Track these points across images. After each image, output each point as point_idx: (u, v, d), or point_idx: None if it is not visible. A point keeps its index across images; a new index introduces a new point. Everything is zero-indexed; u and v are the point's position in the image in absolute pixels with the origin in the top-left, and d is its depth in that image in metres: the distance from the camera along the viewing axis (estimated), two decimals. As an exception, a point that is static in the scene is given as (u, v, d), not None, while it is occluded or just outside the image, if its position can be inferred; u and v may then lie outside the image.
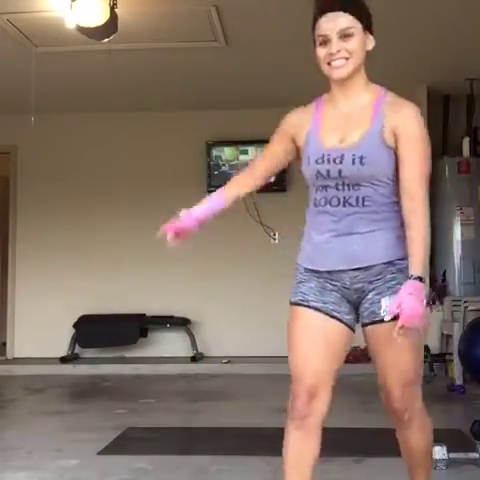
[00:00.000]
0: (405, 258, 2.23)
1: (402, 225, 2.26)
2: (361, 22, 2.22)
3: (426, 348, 6.61)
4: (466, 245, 7.10)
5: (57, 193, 7.88)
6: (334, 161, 2.24)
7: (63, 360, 7.40)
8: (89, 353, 7.61)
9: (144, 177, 7.83)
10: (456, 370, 5.86)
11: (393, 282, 2.23)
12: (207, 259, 7.69)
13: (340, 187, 2.26)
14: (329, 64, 2.22)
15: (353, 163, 2.21)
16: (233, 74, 6.54)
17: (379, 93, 2.29)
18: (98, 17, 4.62)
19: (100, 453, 4.01)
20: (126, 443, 4.27)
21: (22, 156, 7.98)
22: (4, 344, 8.03)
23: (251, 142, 7.60)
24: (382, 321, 2.17)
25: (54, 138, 7.92)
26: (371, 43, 2.27)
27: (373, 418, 4.77)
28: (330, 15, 2.19)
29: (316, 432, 2.27)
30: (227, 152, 7.67)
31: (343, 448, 3.88)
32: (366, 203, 2.26)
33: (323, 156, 2.26)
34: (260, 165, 2.49)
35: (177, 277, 7.69)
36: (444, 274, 7.11)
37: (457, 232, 7.10)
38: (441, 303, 6.90)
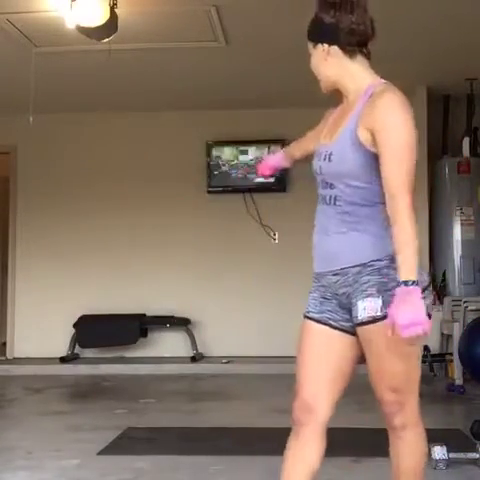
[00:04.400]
0: (382, 259, 2.14)
1: (381, 227, 2.15)
2: (312, 40, 2.26)
3: (426, 348, 6.62)
4: (466, 245, 7.10)
5: (57, 193, 7.88)
6: (318, 157, 2.28)
7: (63, 360, 7.39)
8: (89, 353, 7.61)
9: (144, 177, 7.83)
10: (456, 370, 5.86)
11: (366, 284, 2.15)
12: (207, 259, 7.69)
13: (323, 184, 2.27)
14: None
15: (325, 159, 2.22)
16: (233, 74, 6.54)
17: (367, 91, 2.20)
18: (98, 17, 4.62)
19: (100, 453, 4.00)
20: (126, 443, 4.27)
21: (22, 156, 7.98)
22: (4, 344, 8.03)
23: (251, 142, 7.61)
24: (361, 324, 2.15)
25: (54, 138, 7.92)
26: (334, 49, 2.22)
27: (371, 418, 4.76)
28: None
29: (312, 441, 2.24)
30: (227, 152, 7.67)
31: (341, 448, 3.87)
32: (337, 203, 2.21)
33: (316, 153, 2.32)
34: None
35: (177, 277, 7.70)
36: (444, 274, 7.11)
37: (457, 232, 7.09)
38: (441, 303, 6.90)
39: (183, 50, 5.82)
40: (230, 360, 7.26)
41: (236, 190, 7.64)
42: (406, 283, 1.98)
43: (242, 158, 7.64)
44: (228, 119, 7.69)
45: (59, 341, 7.54)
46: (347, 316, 2.23)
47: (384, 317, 2.06)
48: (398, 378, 2.17)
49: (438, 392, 5.90)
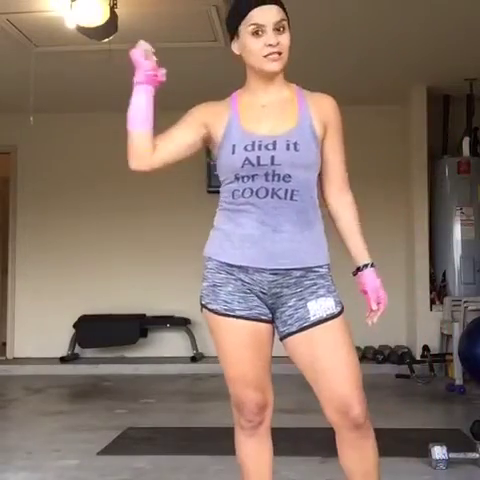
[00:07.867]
0: (323, 266, 2.18)
1: (322, 230, 2.21)
2: (287, 19, 2.17)
3: (426, 348, 6.62)
4: (466, 245, 7.10)
5: (57, 193, 7.88)
6: (266, 147, 2.12)
7: (63, 360, 7.40)
8: (89, 353, 7.62)
9: (144, 177, 7.79)
10: (456, 370, 5.86)
11: (315, 287, 2.15)
12: (207, 259, 7.68)
13: (270, 177, 2.13)
14: (264, 56, 2.13)
15: (287, 148, 2.12)
16: (233, 74, 6.53)
17: (296, 88, 2.27)
18: (98, 17, 4.62)
19: (100, 453, 4.00)
20: (126, 443, 4.27)
21: (22, 156, 7.98)
22: (4, 344, 8.03)
23: (251, 142, 7.60)
24: (313, 325, 2.11)
25: (54, 138, 7.92)
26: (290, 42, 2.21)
27: (371, 418, 4.77)
28: (265, 7, 2.12)
29: (268, 434, 2.32)
30: (227, 152, 7.67)
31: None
32: (294, 198, 2.14)
33: (254, 143, 2.14)
34: (165, 148, 2.42)
35: (177, 277, 7.69)
36: (444, 274, 7.11)
37: (457, 232, 7.09)
38: (441, 303, 6.90)
39: (183, 50, 5.82)
40: (230, 360, 7.25)
41: (236, 190, 7.64)
42: (372, 265, 2.23)
43: (242, 158, 7.63)
44: (228, 119, 7.67)
45: (59, 341, 7.55)
46: (268, 310, 2.20)
47: (339, 314, 2.15)
48: (357, 371, 2.15)
49: (438, 392, 5.90)
